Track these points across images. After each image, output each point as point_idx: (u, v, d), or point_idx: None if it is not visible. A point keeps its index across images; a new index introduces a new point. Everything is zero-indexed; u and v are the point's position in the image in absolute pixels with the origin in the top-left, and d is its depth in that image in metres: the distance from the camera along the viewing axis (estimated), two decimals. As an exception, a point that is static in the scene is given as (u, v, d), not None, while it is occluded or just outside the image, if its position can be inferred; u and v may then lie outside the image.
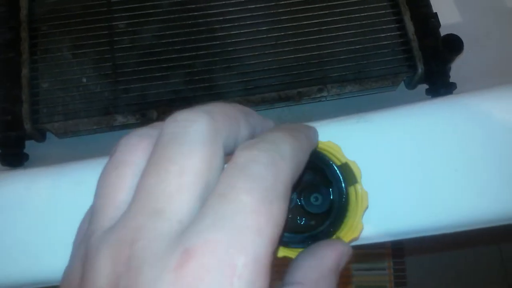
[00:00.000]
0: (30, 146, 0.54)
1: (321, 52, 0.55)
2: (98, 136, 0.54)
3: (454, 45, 0.54)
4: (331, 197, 0.33)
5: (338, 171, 0.33)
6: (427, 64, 0.54)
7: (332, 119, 0.36)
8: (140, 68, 0.54)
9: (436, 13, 0.55)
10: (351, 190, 0.33)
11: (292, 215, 0.34)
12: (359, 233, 0.32)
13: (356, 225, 0.32)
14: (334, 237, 0.32)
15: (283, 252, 0.31)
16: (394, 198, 0.35)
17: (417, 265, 1.08)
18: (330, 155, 0.33)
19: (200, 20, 0.56)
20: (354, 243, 0.35)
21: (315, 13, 0.56)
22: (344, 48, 0.55)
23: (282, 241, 0.32)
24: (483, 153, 0.36)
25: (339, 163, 0.33)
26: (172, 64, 0.55)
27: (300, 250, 0.32)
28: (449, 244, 1.04)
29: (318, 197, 0.33)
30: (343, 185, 0.33)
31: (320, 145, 0.33)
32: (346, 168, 0.33)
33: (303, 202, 0.33)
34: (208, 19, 0.56)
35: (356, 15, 0.56)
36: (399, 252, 1.08)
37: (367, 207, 0.32)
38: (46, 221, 0.35)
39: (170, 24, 0.56)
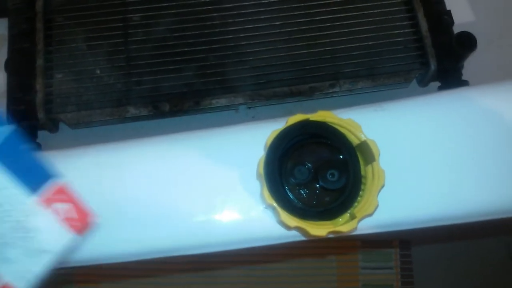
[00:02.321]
0: (42, 137, 0.54)
1: (334, 47, 0.55)
2: (110, 127, 0.55)
3: (467, 42, 0.53)
4: (347, 174, 0.33)
5: (355, 149, 0.33)
6: (440, 61, 0.54)
7: (350, 108, 0.36)
8: (153, 61, 0.54)
9: (449, 10, 0.55)
10: (368, 168, 0.33)
11: (308, 190, 0.34)
12: (373, 210, 0.32)
13: (371, 202, 0.32)
14: (348, 212, 0.33)
15: (296, 222, 0.32)
16: (410, 186, 0.35)
17: (424, 263, 1.08)
18: (349, 133, 0.34)
19: (214, 14, 0.56)
20: (365, 232, 0.35)
21: (328, 9, 0.56)
22: (357, 44, 0.55)
23: (297, 213, 0.32)
24: (501, 143, 0.36)
25: (358, 141, 0.33)
26: (185, 57, 0.55)
27: (312, 222, 0.32)
28: (457, 236, 1.04)
29: (334, 174, 0.33)
30: (359, 163, 0.33)
31: (339, 123, 0.33)
32: (364, 146, 0.33)
33: (319, 178, 0.33)
34: (222, 13, 0.56)
35: (370, 11, 0.56)
36: (406, 250, 1.08)
37: (383, 185, 0.32)
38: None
39: (184, 18, 0.56)
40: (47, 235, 0.21)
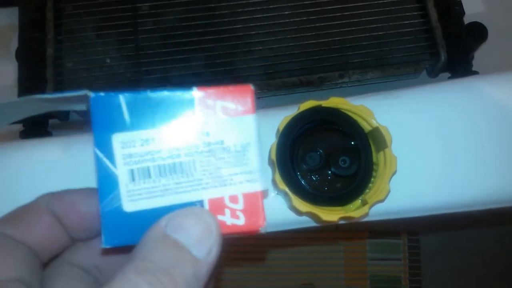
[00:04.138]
0: (53, 126, 0.54)
1: (343, 37, 0.55)
2: (119, 117, 0.55)
3: (478, 33, 0.53)
4: (359, 161, 0.33)
5: (367, 136, 0.33)
6: (450, 52, 0.53)
7: (360, 95, 0.36)
8: (162, 50, 0.55)
9: (460, 0, 0.55)
10: (380, 154, 0.33)
11: (319, 176, 0.34)
12: (385, 196, 0.32)
13: (382, 188, 0.32)
14: (359, 199, 0.33)
15: (308, 208, 0.32)
16: (421, 174, 0.35)
17: (432, 254, 1.08)
18: (361, 119, 0.34)
19: (223, 4, 0.56)
20: (377, 219, 0.35)
21: (338, -1, 0.56)
22: (367, 34, 0.55)
23: (309, 198, 0.32)
24: (510, 131, 0.36)
25: (370, 128, 0.33)
26: (194, 47, 0.55)
27: (324, 208, 0.32)
28: (465, 226, 1.03)
29: (346, 160, 0.33)
30: (371, 149, 0.33)
31: (352, 109, 0.33)
32: (377, 132, 0.33)
33: (331, 164, 0.33)
34: (231, 3, 0.56)
35: (379, 1, 0.56)
36: (414, 242, 1.08)
37: (395, 172, 0.32)
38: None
39: (193, 7, 0.56)
40: (235, 135, 0.21)
